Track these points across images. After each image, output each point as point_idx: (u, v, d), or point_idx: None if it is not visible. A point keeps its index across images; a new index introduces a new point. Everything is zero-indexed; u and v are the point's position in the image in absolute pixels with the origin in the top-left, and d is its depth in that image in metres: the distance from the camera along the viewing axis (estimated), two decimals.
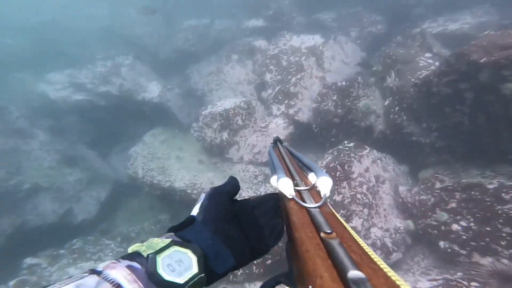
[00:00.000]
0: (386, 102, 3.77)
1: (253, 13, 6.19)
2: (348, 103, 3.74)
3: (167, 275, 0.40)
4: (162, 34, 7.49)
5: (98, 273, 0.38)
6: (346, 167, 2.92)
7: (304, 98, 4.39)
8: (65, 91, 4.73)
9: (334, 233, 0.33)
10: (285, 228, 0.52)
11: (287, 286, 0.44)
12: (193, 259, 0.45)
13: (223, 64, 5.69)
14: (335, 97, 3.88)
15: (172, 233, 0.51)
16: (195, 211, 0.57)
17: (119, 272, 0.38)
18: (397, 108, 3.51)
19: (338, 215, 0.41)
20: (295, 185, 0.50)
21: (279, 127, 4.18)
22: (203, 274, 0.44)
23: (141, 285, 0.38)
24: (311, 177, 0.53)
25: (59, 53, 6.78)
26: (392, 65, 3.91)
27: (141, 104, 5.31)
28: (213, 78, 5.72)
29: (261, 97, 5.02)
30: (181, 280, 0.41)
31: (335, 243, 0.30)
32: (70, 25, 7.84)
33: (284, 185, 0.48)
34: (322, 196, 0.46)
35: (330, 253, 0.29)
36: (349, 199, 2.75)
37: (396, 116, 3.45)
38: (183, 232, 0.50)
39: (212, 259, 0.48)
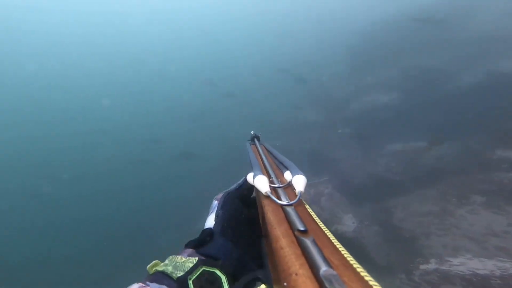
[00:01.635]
0: None
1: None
2: None
3: None
4: (357, 157, 7.57)
5: None
6: None
7: None
8: None
9: (308, 231, 0.34)
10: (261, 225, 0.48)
11: (263, 283, 0.42)
12: (222, 277, 0.43)
13: (452, 204, 4.09)
14: None
15: (193, 250, 0.47)
16: (210, 222, 0.53)
17: None
18: None
19: (312, 213, 0.43)
20: (271, 182, 0.50)
21: None
22: None
23: None
24: (287, 175, 0.55)
25: None
26: None
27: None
28: (433, 220, 4.22)
29: None
30: None
31: (309, 240, 0.30)
32: (289, 147, 10.59)
33: (260, 182, 0.48)
34: (297, 193, 0.46)
35: (304, 251, 0.29)
36: None
37: None
38: (205, 249, 0.47)
39: (241, 273, 0.45)
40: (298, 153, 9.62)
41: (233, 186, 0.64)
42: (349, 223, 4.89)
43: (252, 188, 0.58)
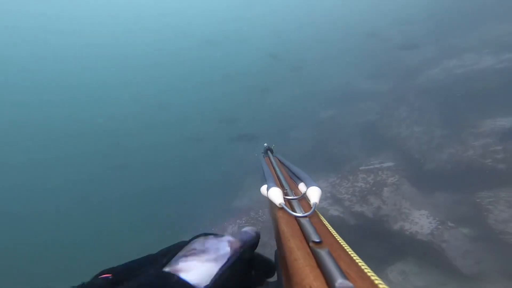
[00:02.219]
0: None
1: None
2: None
3: None
4: (437, 136, 5.96)
5: None
6: None
7: None
8: (325, 202, 5.08)
9: (323, 242, 0.33)
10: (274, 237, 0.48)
11: None
12: None
13: None
14: None
15: None
16: (200, 270, 0.33)
17: None
18: None
19: (327, 224, 0.42)
20: (285, 194, 0.50)
21: None
22: None
23: None
24: (301, 186, 0.55)
25: (327, 152, 8.18)
26: None
27: (394, 235, 4.13)
28: None
29: None
30: None
31: (324, 252, 0.30)
32: (341, 120, 9.25)
33: (273, 194, 0.47)
34: (311, 205, 0.46)
35: (319, 263, 0.29)
36: None
37: None
38: None
39: None
40: (352, 127, 8.33)
41: (247, 237, 0.43)
42: (422, 222, 3.92)
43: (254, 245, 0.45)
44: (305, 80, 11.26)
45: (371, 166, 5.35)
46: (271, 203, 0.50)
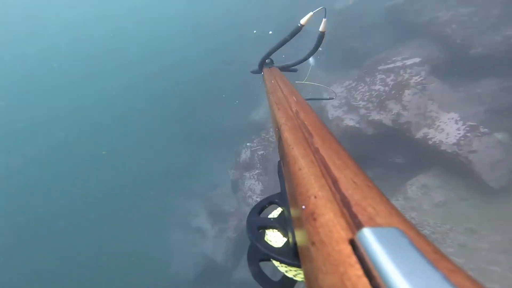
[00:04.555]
0: None
1: None
2: None
3: None
4: (493, 16, 4.54)
5: None
6: None
7: None
8: (340, 110, 4.52)
9: None
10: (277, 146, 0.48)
11: (280, 206, 0.41)
12: None
13: None
14: None
15: None
16: None
17: None
18: None
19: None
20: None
21: None
22: None
23: None
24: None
25: (350, 49, 6.65)
26: None
27: (416, 144, 3.75)
28: None
29: None
30: None
31: None
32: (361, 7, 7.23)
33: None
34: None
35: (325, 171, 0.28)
36: None
37: None
38: None
39: None
40: (374, 16, 6.57)
41: None
42: (449, 129, 3.47)
43: None
44: None
45: (392, 65, 4.42)
46: (273, 111, 0.50)
